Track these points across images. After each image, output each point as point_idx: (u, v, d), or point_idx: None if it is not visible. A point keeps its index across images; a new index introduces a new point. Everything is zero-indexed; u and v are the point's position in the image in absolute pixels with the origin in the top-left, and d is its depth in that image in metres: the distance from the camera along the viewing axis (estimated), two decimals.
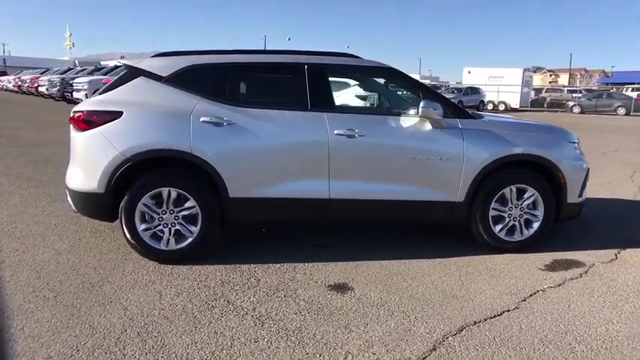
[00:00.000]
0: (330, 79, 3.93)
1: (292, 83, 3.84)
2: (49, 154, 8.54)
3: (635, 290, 3.36)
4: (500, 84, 30.29)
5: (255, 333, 2.71)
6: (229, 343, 2.60)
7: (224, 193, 3.63)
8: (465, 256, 3.94)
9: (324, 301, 3.12)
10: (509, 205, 3.97)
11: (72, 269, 3.55)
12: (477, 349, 2.58)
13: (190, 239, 3.66)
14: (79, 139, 3.62)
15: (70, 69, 29.09)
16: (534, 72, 57.74)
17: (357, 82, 5.58)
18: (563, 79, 76.38)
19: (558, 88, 38.78)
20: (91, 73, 22.70)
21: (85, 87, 17.89)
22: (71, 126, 3.79)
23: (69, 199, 3.85)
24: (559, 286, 3.41)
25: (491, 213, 3.95)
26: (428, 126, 3.80)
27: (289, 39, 66.68)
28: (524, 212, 4.00)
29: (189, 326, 2.78)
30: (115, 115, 3.54)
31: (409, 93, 4.27)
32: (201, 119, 3.58)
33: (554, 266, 3.77)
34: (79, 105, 3.80)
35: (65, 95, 21.53)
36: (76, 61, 51.43)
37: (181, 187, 3.58)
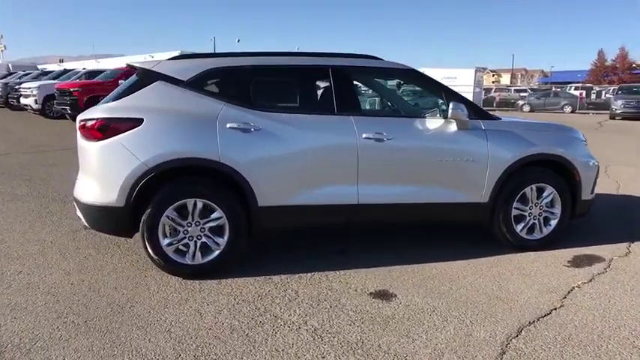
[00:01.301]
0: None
1: (317, 86, 3.73)
2: (11, 165, 7.92)
3: None
4: (454, 84, 31.25)
5: (318, 348, 2.59)
6: None
7: (252, 202, 3.46)
8: (489, 257, 3.97)
9: (373, 310, 3.04)
10: (530, 204, 4.05)
11: (91, 290, 3.27)
12: (544, 350, 2.59)
13: (217, 252, 3.47)
14: (93, 149, 3.34)
15: (11, 73, 27.26)
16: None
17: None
18: (505, 79, 79.93)
19: (506, 88, 40.51)
20: (37, 78, 21.35)
21: (35, 92, 16.78)
22: (79, 135, 3.50)
23: (79, 214, 3.55)
24: (590, 281, 3.50)
25: (514, 212, 4.01)
26: (453, 127, 3.80)
27: (238, 40, 65.64)
28: (543, 210, 4.09)
29: (246, 345, 2.61)
30: (136, 122, 3.29)
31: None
32: (228, 125, 3.40)
33: (577, 262, 3.87)
34: (87, 113, 3.51)
35: (10, 101, 20.13)
36: (10, 65, 48.39)
37: (208, 197, 3.38)
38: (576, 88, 33.89)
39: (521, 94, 33.99)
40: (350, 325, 2.85)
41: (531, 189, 4.01)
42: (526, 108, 29.49)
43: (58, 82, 17.38)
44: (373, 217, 3.79)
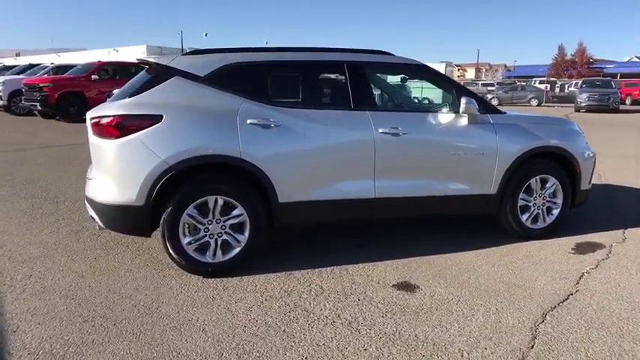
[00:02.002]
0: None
1: (334, 82, 3.75)
2: None
3: None
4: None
5: (357, 341, 2.63)
6: (341, 355, 2.50)
7: (273, 198, 3.46)
8: (498, 246, 4.10)
9: (401, 302, 3.09)
10: (534, 194, 4.20)
11: (111, 292, 3.19)
12: (571, 333, 2.71)
13: (238, 249, 3.45)
14: (109, 147, 3.25)
15: None
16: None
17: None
18: (470, 74, 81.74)
19: (474, 82, 41.43)
20: None
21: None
22: (92, 133, 3.40)
23: (93, 214, 3.45)
24: (597, 267, 3.67)
25: (520, 203, 4.15)
26: (464, 122, 3.89)
27: (206, 34, 64.60)
28: (546, 201, 4.25)
29: (286, 341, 2.62)
30: (155, 119, 3.22)
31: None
32: (249, 121, 3.37)
33: (580, 249, 4.05)
34: (100, 109, 3.41)
35: None
36: None
37: (229, 194, 3.36)
38: (541, 82, 35.03)
39: (489, 88, 34.85)
40: (382, 317, 2.90)
41: (536, 180, 4.16)
42: (494, 101, 30.24)
43: (25, 77, 16.68)
44: (389, 211, 3.85)
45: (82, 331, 2.70)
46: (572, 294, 3.21)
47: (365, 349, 2.55)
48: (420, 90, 12.04)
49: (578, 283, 3.39)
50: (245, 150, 3.33)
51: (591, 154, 4.41)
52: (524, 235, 4.22)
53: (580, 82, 27.33)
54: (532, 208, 4.22)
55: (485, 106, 4.07)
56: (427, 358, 2.48)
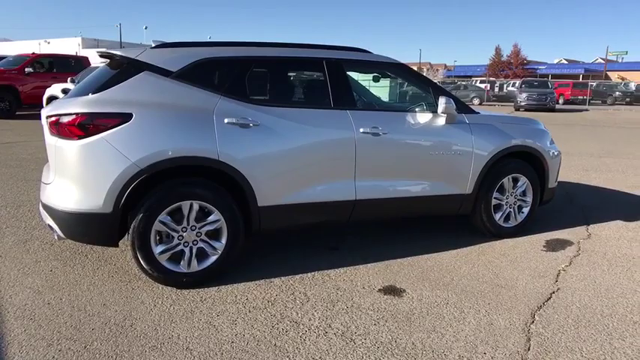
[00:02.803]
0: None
1: (313, 80, 3.59)
2: None
3: (629, 259, 3.85)
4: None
5: (354, 352, 2.50)
6: None
7: (252, 202, 3.26)
8: (473, 245, 4.11)
9: (390, 307, 3.00)
10: (507, 193, 4.26)
11: (75, 309, 2.88)
12: (562, 333, 2.72)
13: (215, 257, 3.23)
14: (71, 148, 2.92)
15: None
16: None
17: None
18: None
19: None
20: None
21: None
22: (49, 133, 3.05)
23: (51, 222, 3.09)
24: (570, 264, 3.76)
25: (493, 202, 4.19)
26: (442, 121, 3.87)
27: (146, 27, 62.14)
28: (517, 199, 4.33)
29: (279, 356, 2.45)
30: (124, 117, 2.93)
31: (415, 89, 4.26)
32: (226, 120, 3.15)
33: (551, 246, 4.14)
34: (59, 106, 3.06)
35: None
36: None
37: (205, 199, 3.12)
38: (482, 82, 36.43)
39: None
40: (375, 324, 2.80)
41: (508, 179, 4.22)
42: None
43: None
44: (369, 212, 3.75)
45: (47, 357, 2.39)
46: (554, 292, 3.26)
47: None
48: (388, 89, 12.07)
49: (556, 281, 3.45)
50: (222, 151, 3.11)
51: (557, 153, 4.54)
52: (497, 234, 4.27)
53: (519, 82, 28.69)
54: (504, 207, 4.28)
55: (461, 106, 4.07)
56: None
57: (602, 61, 57.61)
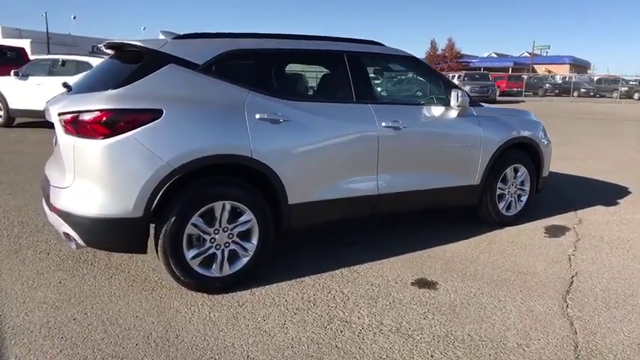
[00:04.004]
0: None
1: (335, 73, 3.50)
2: None
3: (625, 242, 4.12)
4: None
5: (418, 348, 2.50)
6: None
7: (283, 200, 3.15)
8: (480, 235, 4.23)
9: (431, 300, 3.02)
10: (509, 183, 4.41)
11: (107, 324, 2.65)
12: (598, 315, 2.86)
13: (246, 259, 3.10)
14: (96, 149, 2.66)
15: None
16: None
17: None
18: None
19: None
20: None
21: None
22: (64, 132, 2.77)
23: (69, 230, 2.81)
24: (576, 249, 3.97)
25: (497, 192, 4.33)
26: (454, 114, 3.93)
27: (74, 17, 58.19)
28: (517, 188, 4.50)
29: (346, 359, 2.39)
30: (154, 114, 2.71)
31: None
32: (257, 116, 3.01)
33: (552, 233, 4.35)
34: (74, 102, 2.78)
35: None
36: None
37: (237, 198, 2.98)
38: None
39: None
40: (424, 318, 2.80)
41: (510, 169, 4.38)
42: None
43: None
44: (389, 206, 3.75)
45: None
46: (573, 277, 3.42)
47: (432, 356, 2.43)
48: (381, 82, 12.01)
49: (571, 266, 3.62)
50: (255, 148, 2.97)
51: (548, 142, 4.76)
52: (500, 222, 4.42)
53: (462, 75, 29.82)
54: (507, 196, 4.44)
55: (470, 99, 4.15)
56: (493, 357, 2.45)
57: (529, 55, 61.26)
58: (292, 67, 3.48)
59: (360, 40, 3.76)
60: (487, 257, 3.76)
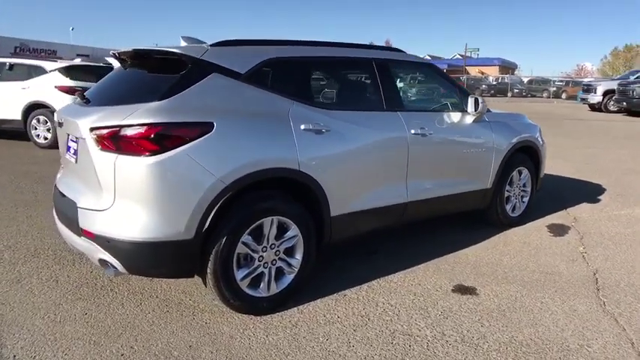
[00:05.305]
0: None
1: (366, 81, 3.44)
2: None
3: (624, 237, 4.36)
4: None
5: (490, 357, 2.50)
6: None
7: (326, 213, 3.05)
8: (491, 237, 4.33)
9: (478, 307, 3.04)
10: (514, 185, 4.56)
11: (161, 356, 2.44)
12: (635, 310, 3.01)
13: (292, 276, 2.98)
14: (143, 166, 2.43)
15: None
16: None
17: None
18: None
19: None
20: None
21: None
22: (99, 149, 2.51)
23: (108, 257, 2.54)
24: (584, 247, 4.17)
25: (505, 195, 4.47)
26: (470, 120, 4.00)
27: (72, 29, 54.14)
28: (521, 190, 4.66)
29: None
30: (205, 127, 2.52)
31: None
32: (302, 127, 2.89)
33: (555, 231, 4.54)
34: (108, 116, 2.52)
35: None
36: None
37: (284, 213, 2.85)
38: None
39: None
40: (482, 326, 2.82)
41: (516, 172, 4.53)
42: None
43: None
44: (416, 213, 3.75)
45: None
46: (595, 274, 3.59)
47: None
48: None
49: (588, 264, 3.79)
50: (302, 160, 2.85)
51: (545, 144, 4.98)
52: (507, 224, 4.56)
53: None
54: (512, 198, 4.58)
55: None
56: (562, 356, 2.50)
57: (461, 57, 64.14)
58: (325, 75, 3.39)
59: (384, 47, 3.74)
60: (509, 259, 3.85)
